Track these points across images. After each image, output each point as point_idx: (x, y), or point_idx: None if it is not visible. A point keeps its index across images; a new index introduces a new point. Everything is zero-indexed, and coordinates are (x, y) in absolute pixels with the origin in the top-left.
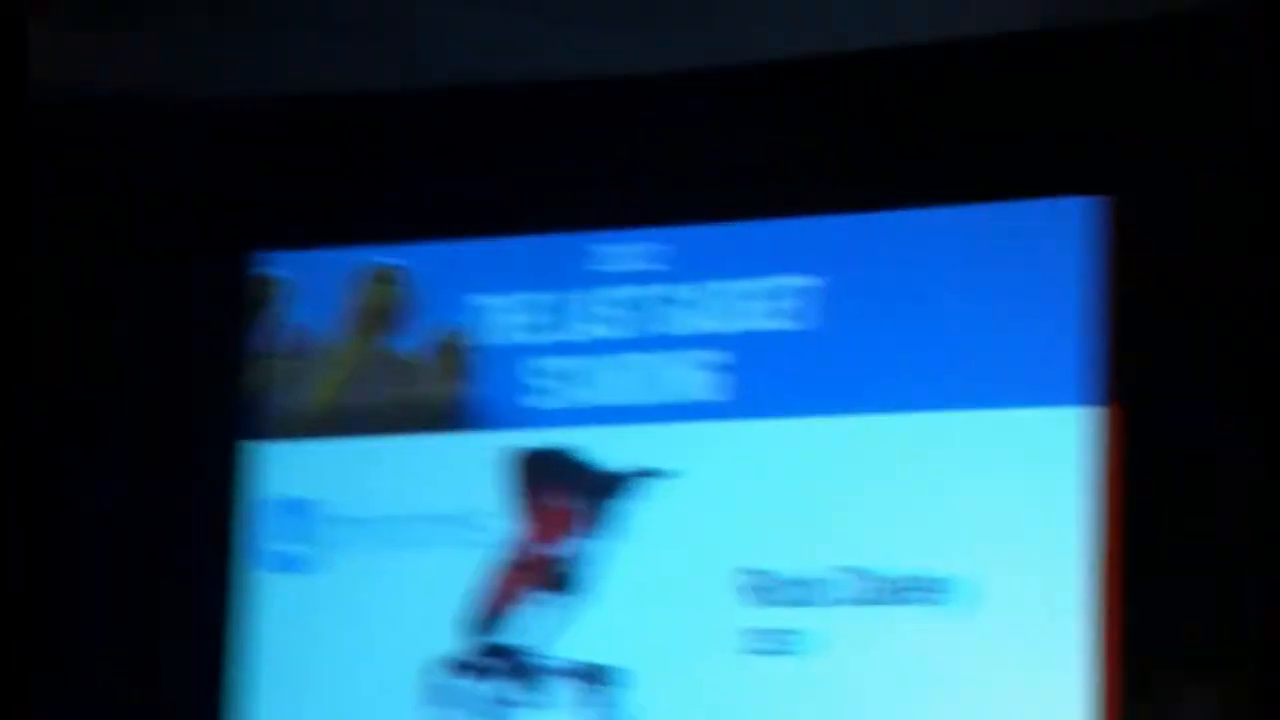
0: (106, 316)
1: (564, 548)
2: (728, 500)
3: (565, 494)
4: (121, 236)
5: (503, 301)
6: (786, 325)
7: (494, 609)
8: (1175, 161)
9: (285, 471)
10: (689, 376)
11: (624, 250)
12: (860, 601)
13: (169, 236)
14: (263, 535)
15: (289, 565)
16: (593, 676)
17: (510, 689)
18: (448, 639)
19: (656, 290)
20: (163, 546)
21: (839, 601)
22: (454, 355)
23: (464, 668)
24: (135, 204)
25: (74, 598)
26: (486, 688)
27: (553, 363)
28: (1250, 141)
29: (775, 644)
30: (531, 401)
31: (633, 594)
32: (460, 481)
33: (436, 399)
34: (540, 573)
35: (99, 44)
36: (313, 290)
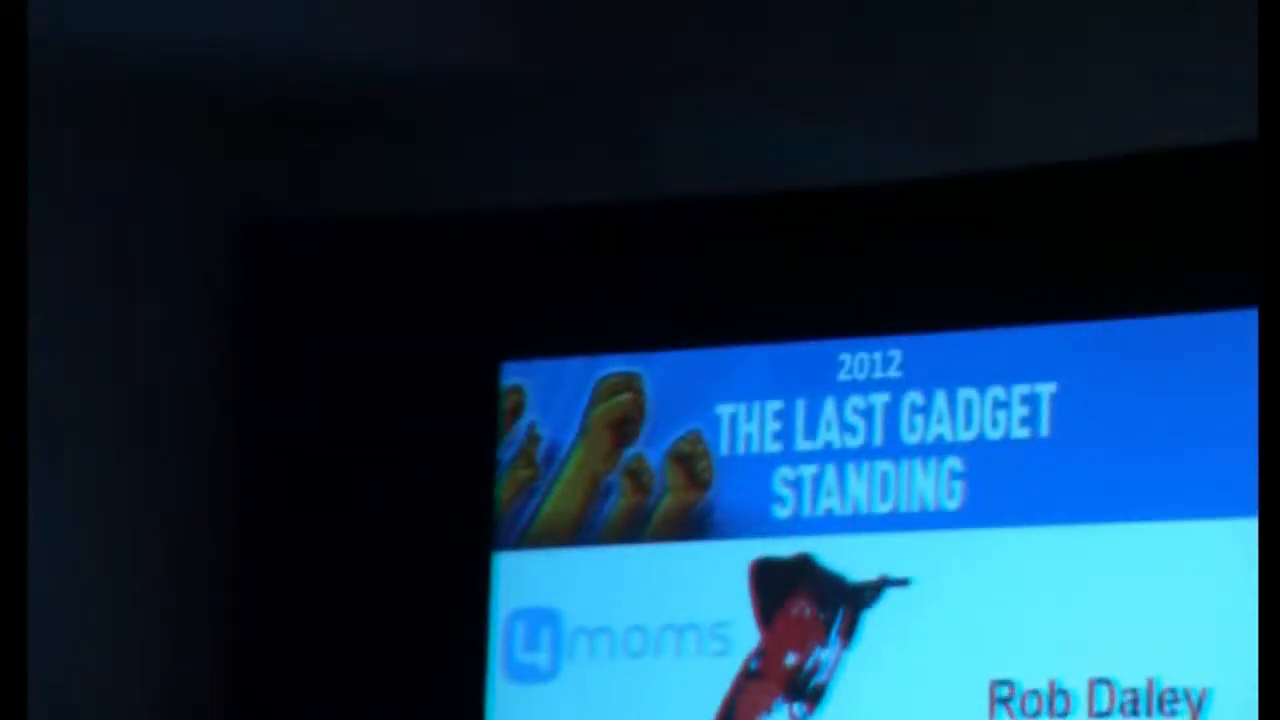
0: (360, 432)
1: (808, 657)
2: (968, 610)
3: (809, 603)
4: (368, 354)
5: (744, 409)
6: (1023, 434)
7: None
8: None
9: (531, 582)
10: (926, 485)
11: (864, 358)
12: (1106, 713)
13: (418, 350)
14: (510, 646)
15: (535, 676)
16: None
17: None
18: None
19: (895, 398)
20: (415, 658)
21: (1084, 712)
22: (695, 463)
23: None
24: (380, 322)
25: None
26: None
27: (793, 471)
28: None
29: None
30: (773, 510)
31: (874, 704)
32: (703, 591)
33: (679, 507)
34: (785, 683)
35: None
36: (557, 400)
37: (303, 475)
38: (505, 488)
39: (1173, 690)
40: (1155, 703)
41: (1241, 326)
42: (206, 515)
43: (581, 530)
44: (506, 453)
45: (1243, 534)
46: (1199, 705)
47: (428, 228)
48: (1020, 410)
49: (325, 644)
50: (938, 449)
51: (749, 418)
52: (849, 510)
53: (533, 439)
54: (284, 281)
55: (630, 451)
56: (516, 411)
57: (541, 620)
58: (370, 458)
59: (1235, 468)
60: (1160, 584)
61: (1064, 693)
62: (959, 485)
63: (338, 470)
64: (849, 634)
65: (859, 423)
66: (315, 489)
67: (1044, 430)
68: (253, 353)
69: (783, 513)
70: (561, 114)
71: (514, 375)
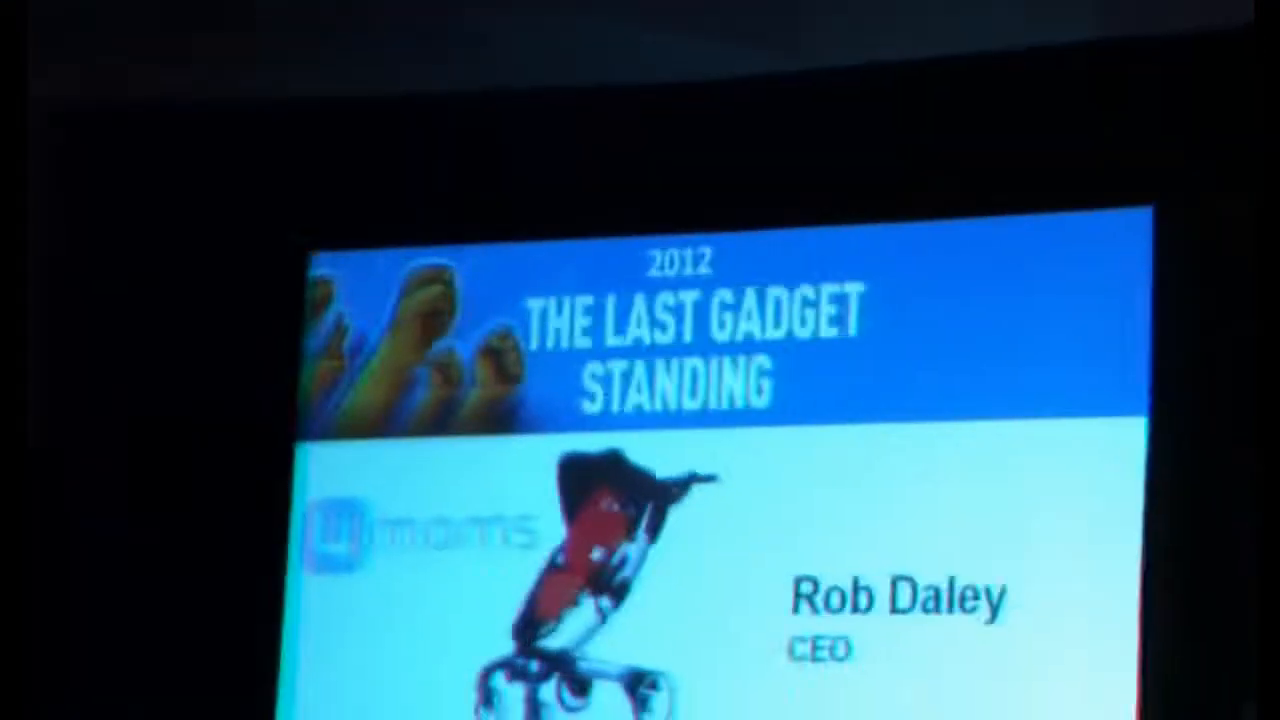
0: (162, 319)
1: (614, 552)
2: (775, 507)
3: (616, 498)
4: (176, 242)
5: (554, 304)
6: (833, 333)
7: (542, 613)
8: (1223, 172)
9: (335, 473)
10: (736, 382)
11: (675, 255)
12: (907, 609)
13: (223, 239)
14: (312, 536)
15: (338, 566)
16: (640, 681)
17: (558, 693)
18: (496, 643)
19: (705, 296)
20: (215, 547)
21: (885, 609)
22: (504, 358)
23: (512, 672)
24: (189, 210)
25: (118, 597)
26: (534, 692)
27: (603, 367)
28: None
29: (821, 651)
30: (582, 405)
31: (680, 599)
32: (510, 485)
33: (487, 401)
34: (590, 577)
35: (140, 51)
36: (366, 292)
37: (107, 363)
38: (311, 378)
39: (971, 588)
40: (955, 600)
41: (1048, 231)
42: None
43: (388, 422)
44: (313, 343)
45: (1040, 434)
46: (996, 603)
47: (239, 117)
48: (829, 309)
49: (123, 526)
50: (747, 347)
51: (559, 313)
52: (658, 407)
53: (341, 330)
54: (92, 169)
55: (440, 344)
56: (324, 303)
57: (345, 511)
58: (175, 346)
59: (1037, 369)
60: (960, 483)
61: (865, 589)
62: (768, 383)
63: (143, 358)
64: (655, 530)
65: (669, 319)
66: (120, 377)
67: (852, 330)
68: (60, 240)
69: (592, 408)
70: (372, 5)
71: (323, 266)
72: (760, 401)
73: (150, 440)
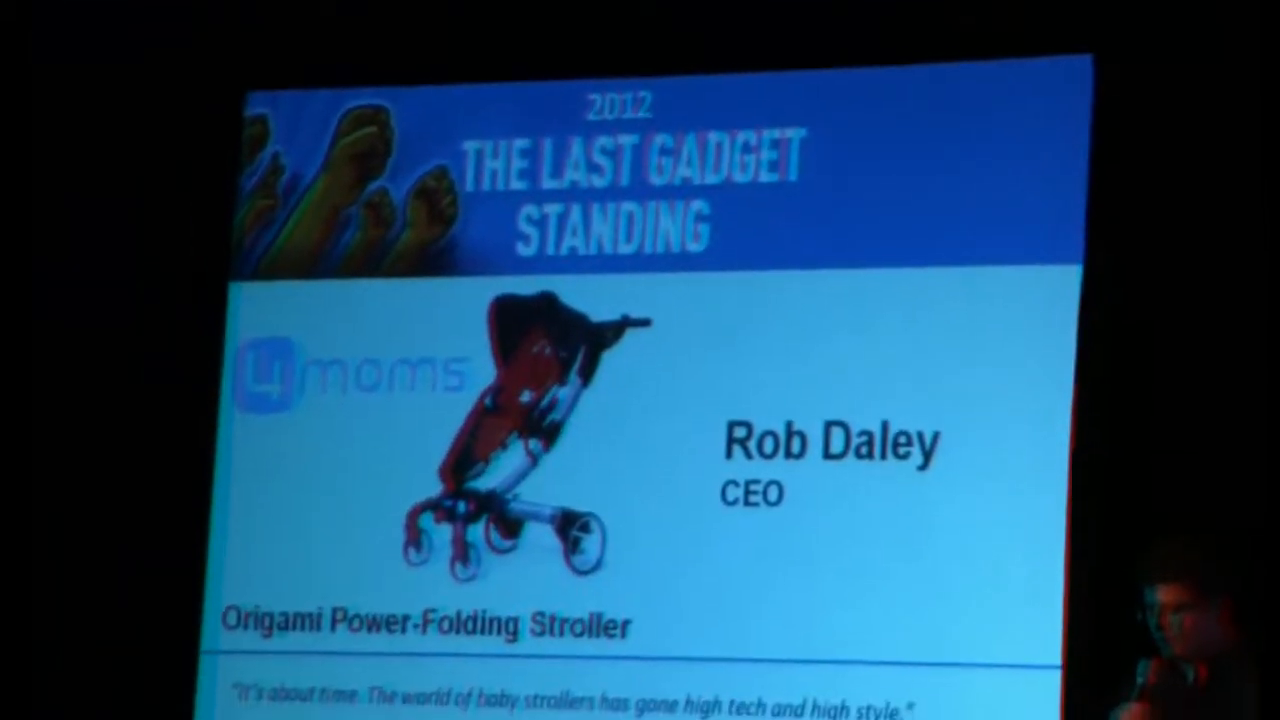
0: (100, 152)
1: (545, 395)
2: (709, 352)
3: (549, 341)
4: (113, 80)
5: (491, 146)
6: (772, 178)
7: (472, 455)
8: (1162, 24)
9: (266, 313)
10: (671, 226)
11: (614, 99)
12: (840, 455)
13: (160, 77)
14: (243, 376)
15: (268, 406)
16: (571, 523)
17: (487, 534)
18: (425, 484)
19: (643, 140)
20: (148, 385)
21: (819, 454)
22: (439, 199)
23: (441, 512)
24: (126, 48)
25: (56, 421)
26: (463, 532)
27: (538, 209)
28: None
29: (754, 495)
30: (517, 248)
31: (611, 442)
32: (441, 327)
33: (420, 243)
34: (521, 419)
35: None
36: (301, 131)
37: (46, 195)
38: (245, 218)
39: (904, 433)
40: (888, 445)
41: (988, 79)
42: None
43: (319, 262)
44: (248, 182)
45: (975, 281)
46: (929, 449)
47: None
48: (768, 154)
49: (59, 366)
50: (684, 191)
51: (495, 155)
52: (593, 250)
53: (275, 169)
54: (31, 7)
55: (374, 185)
56: (260, 142)
57: (275, 351)
58: (108, 181)
59: (974, 217)
60: (895, 330)
61: (799, 434)
62: (704, 227)
63: (78, 195)
64: (588, 373)
65: (606, 163)
66: (55, 209)
67: (791, 175)
68: None
69: (526, 251)
70: None
71: (259, 105)
72: (696, 246)
73: (87, 276)
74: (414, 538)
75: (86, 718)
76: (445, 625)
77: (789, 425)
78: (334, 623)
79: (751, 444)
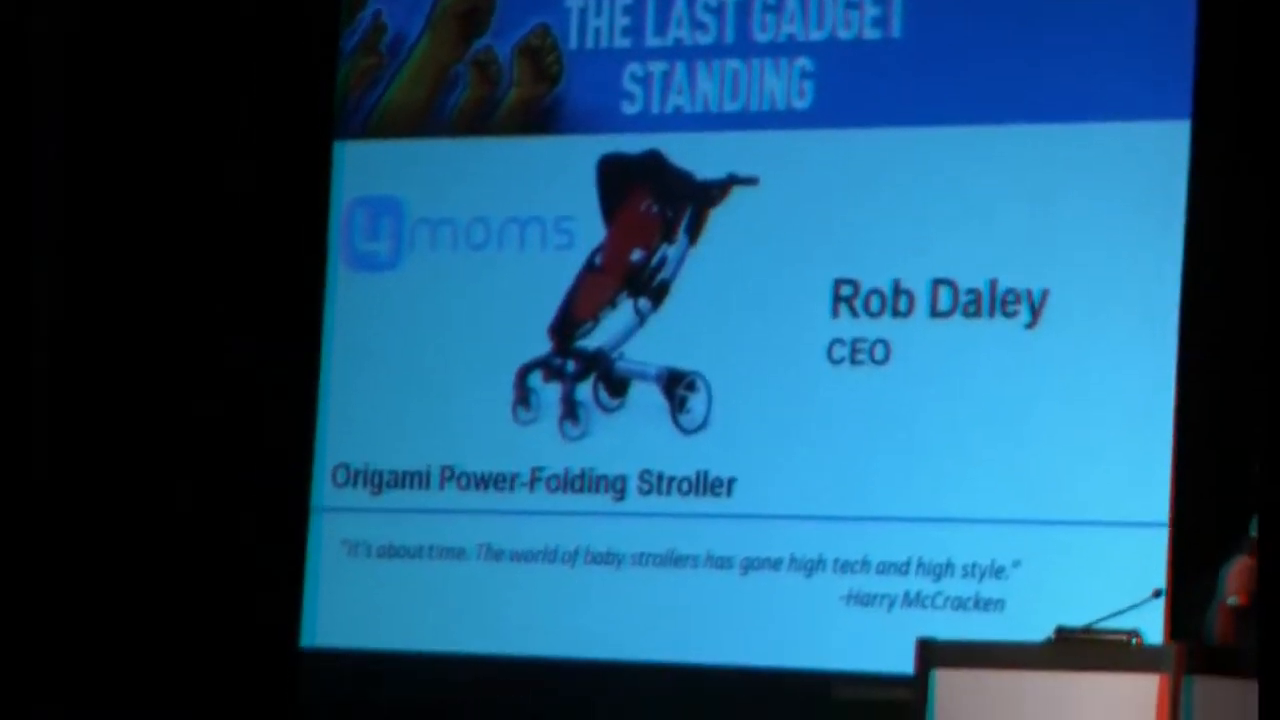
0: (199, 20)
1: (653, 254)
2: (815, 210)
3: (656, 200)
4: None
5: (594, 3)
6: (877, 34)
7: (580, 314)
8: None
9: (373, 171)
10: (776, 84)
11: None
12: (947, 313)
13: None
14: (351, 234)
15: (376, 264)
16: (677, 382)
17: (594, 393)
18: (533, 343)
19: None
20: (255, 245)
21: (925, 312)
22: (543, 57)
23: (548, 371)
24: None
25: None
26: (571, 391)
27: (643, 67)
28: None
29: (860, 354)
30: (622, 106)
31: (717, 301)
32: (548, 186)
33: (526, 101)
34: (628, 278)
35: None
36: None
37: (149, 60)
38: (348, 76)
39: (1012, 291)
40: (995, 303)
41: None
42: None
43: (426, 121)
44: (350, 41)
45: (1084, 138)
46: (1037, 306)
47: None
48: (872, 10)
49: (167, 226)
50: (789, 48)
51: (598, 12)
52: (699, 108)
53: (378, 28)
54: None
55: (479, 43)
56: (361, 1)
57: (383, 209)
58: (212, 47)
59: (1082, 73)
60: (1003, 188)
61: (906, 293)
62: (809, 85)
63: (180, 59)
64: (695, 231)
65: (710, 20)
66: (146, 87)
67: (896, 31)
68: None
69: (631, 109)
70: None
71: None
72: (802, 103)
73: (188, 142)
74: (522, 396)
75: (200, 575)
76: (553, 484)
77: (896, 283)
78: (442, 481)
79: (858, 302)
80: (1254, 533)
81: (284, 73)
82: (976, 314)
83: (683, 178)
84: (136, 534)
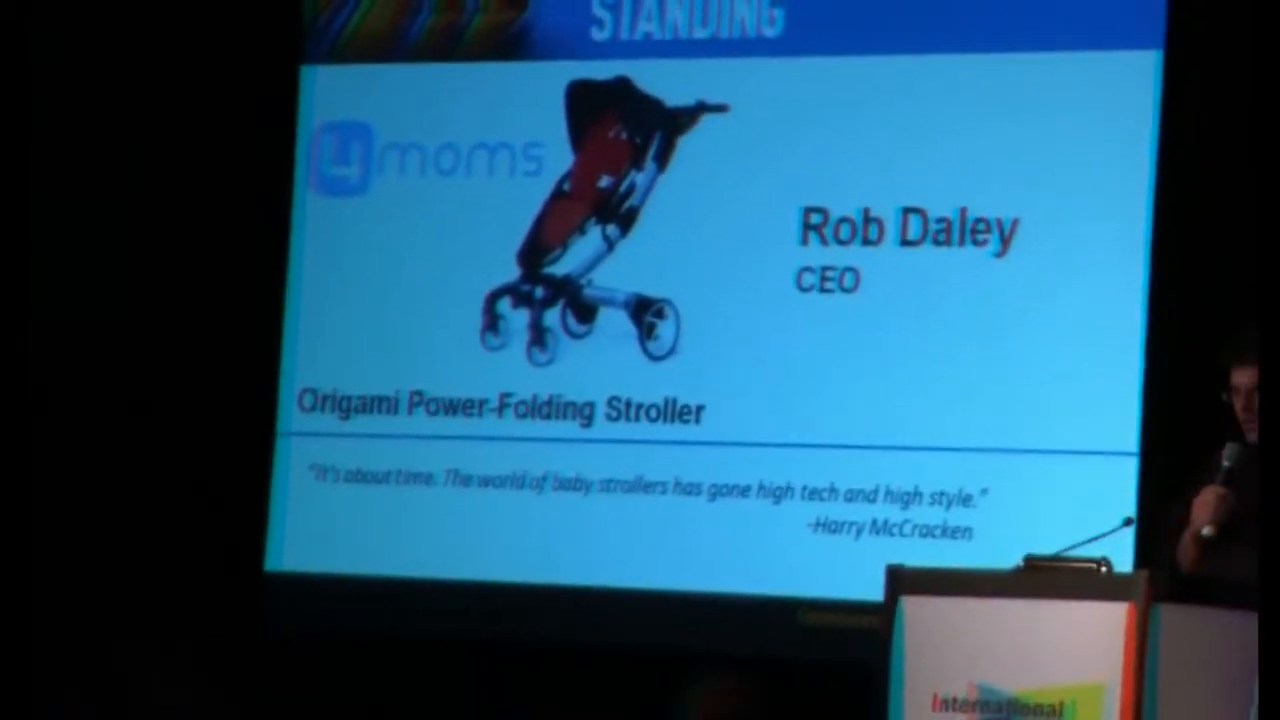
0: None
1: (621, 180)
2: (785, 138)
3: (625, 126)
4: None
5: None
6: None
7: (548, 240)
8: None
9: (341, 96)
10: (746, 11)
11: None
12: (916, 241)
13: None
14: (319, 159)
15: (345, 189)
16: (646, 308)
17: (563, 319)
18: (501, 269)
19: None
20: (223, 168)
21: (895, 240)
22: None
23: (517, 297)
24: None
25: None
26: (539, 317)
27: None
28: None
29: (829, 281)
30: (591, 32)
31: (686, 228)
32: (517, 112)
33: (494, 26)
34: (597, 204)
35: None
36: None
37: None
38: (316, 0)
39: (982, 220)
40: (965, 232)
41: None
42: None
43: (394, 46)
44: None
45: (1054, 67)
46: (1007, 235)
47: None
48: None
49: (130, 151)
50: None
51: None
52: (668, 35)
53: None
54: None
55: None
56: None
57: (352, 134)
58: None
59: (1059, 2)
60: (973, 116)
61: (875, 220)
62: (779, 12)
63: None
64: (664, 158)
65: None
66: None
67: None
68: None
69: (601, 35)
70: None
71: None
72: (771, 31)
73: (153, 62)
74: (491, 322)
75: (169, 501)
76: (521, 409)
77: (865, 211)
78: (410, 406)
79: (827, 230)
80: (1227, 461)
81: None
82: (946, 243)
83: (652, 104)
84: (103, 459)
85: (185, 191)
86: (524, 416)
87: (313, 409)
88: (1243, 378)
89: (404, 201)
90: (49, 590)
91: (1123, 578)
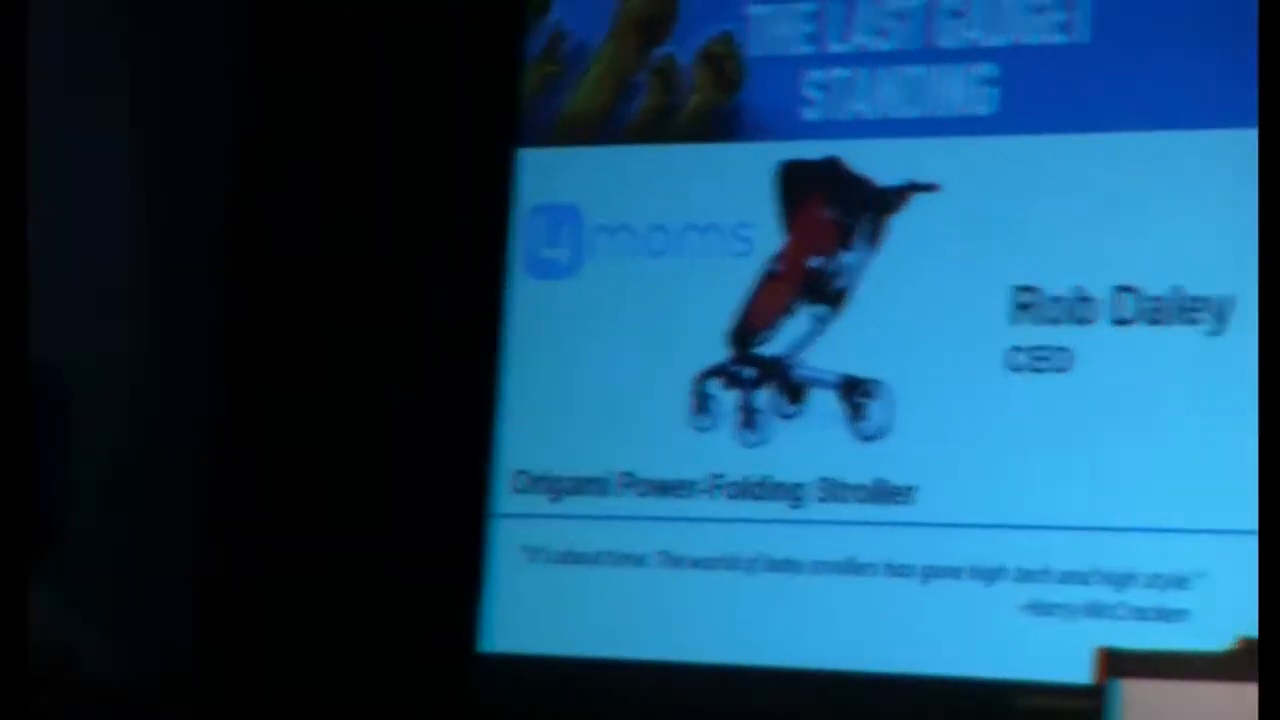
0: (379, 25)
1: (831, 261)
2: (996, 216)
3: (835, 206)
4: None
5: (776, 10)
6: (1062, 39)
7: (758, 321)
8: None
9: (554, 178)
10: (959, 90)
11: None
12: (1129, 320)
13: None
14: (531, 241)
15: (556, 271)
16: (855, 389)
17: (772, 400)
18: (711, 350)
19: (930, 1)
20: (436, 250)
21: (1107, 319)
22: (724, 65)
23: (726, 378)
24: None
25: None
26: (749, 398)
27: (824, 74)
28: None
29: (1040, 361)
30: (802, 112)
31: (898, 308)
32: (727, 192)
33: (706, 108)
34: (806, 285)
35: None
36: None
37: (312, 62)
38: (529, 83)
39: (1197, 298)
40: (1178, 310)
41: None
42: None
43: (606, 128)
44: (532, 48)
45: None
46: (1221, 313)
47: None
48: (1057, 15)
49: (337, 235)
50: (972, 54)
51: (780, 19)
52: (879, 114)
53: (559, 35)
54: None
55: (659, 51)
56: (543, 8)
57: (563, 217)
58: (395, 52)
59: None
60: (1187, 193)
61: (1087, 300)
62: (993, 91)
63: (355, 60)
64: (874, 238)
65: (892, 25)
66: (331, 80)
67: (1082, 36)
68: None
69: (811, 115)
70: None
71: None
72: (984, 109)
73: (368, 146)
74: (700, 403)
75: (381, 582)
76: (731, 490)
77: (1077, 290)
78: (620, 487)
79: (1038, 309)
80: None
81: (467, 79)
82: (1158, 321)
83: (862, 184)
84: (316, 540)
85: (401, 274)
86: (734, 498)
87: (524, 490)
88: None
89: (614, 283)
90: (267, 675)
91: None
